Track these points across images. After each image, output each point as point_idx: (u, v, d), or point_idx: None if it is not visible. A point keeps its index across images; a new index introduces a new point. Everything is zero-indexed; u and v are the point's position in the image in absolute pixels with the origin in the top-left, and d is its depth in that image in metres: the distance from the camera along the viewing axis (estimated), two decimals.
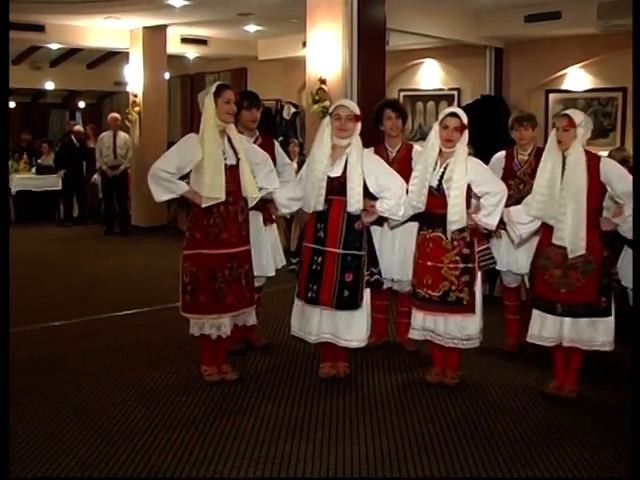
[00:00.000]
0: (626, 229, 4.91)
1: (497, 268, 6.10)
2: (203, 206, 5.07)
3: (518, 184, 5.82)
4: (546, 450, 4.37)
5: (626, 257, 5.55)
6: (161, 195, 5.19)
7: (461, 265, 5.16)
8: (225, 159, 5.09)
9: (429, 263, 5.19)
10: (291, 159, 7.22)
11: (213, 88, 5.14)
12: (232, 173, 5.12)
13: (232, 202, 5.14)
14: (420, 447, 4.37)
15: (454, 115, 5.15)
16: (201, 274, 5.15)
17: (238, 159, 5.16)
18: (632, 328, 5.84)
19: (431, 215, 5.17)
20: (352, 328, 5.27)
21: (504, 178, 5.73)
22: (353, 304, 5.19)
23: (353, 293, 5.18)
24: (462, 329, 5.22)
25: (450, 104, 10.99)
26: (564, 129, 4.93)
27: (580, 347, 5.07)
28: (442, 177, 5.11)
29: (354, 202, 5.09)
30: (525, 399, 5.16)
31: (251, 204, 5.26)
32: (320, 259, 5.19)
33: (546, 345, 5.18)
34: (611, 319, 5.06)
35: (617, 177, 4.92)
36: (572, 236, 4.89)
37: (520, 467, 4.15)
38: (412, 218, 5.34)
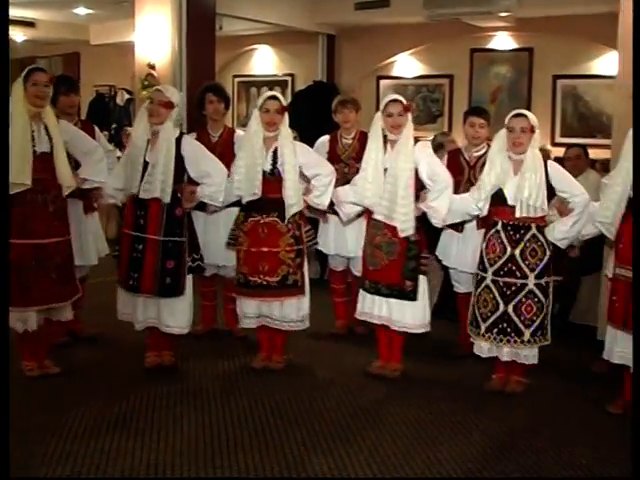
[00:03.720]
0: (430, 215, 5.06)
1: (325, 252, 6.20)
2: (11, 193, 4.88)
3: (343, 168, 5.88)
4: (368, 428, 4.45)
5: (445, 237, 5.74)
6: None
7: (295, 247, 5.22)
8: (34, 145, 4.88)
9: (264, 249, 5.18)
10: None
11: (24, 73, 4.96)
12: (44, 160, 4.92)
13: (41, 190, 4.92)
14: (245, 433, 4.36)
15: (274, 98, 5.17)
16: (11, 265, 4.96)
17: (52, 146, 4.96)
18: (453, 305, 6.09)
19: (265, 200, 5.15)
20: (175, 315, 5.24)
21: (329, 162, 5.82)
22: (175, 291, 5.17)
23: (175, 280, 5.15)
24: (298, 310, 5.29)
25: (284, 90, 11.01)
26: (399, 114, 5.02)
27: (389, 326, 5.20)
28: (275, 161, 5.13)
29: (160, 189, 5.03)
30: (353, 379, 5.26)
31: (65, 193, 5.04)
32: (141, 247, 5.11)
33: (369, 321, 5.31)
34: (418, 303, 5.16)
35: (424, 161, 5.06)
36: (404, 215, 5.01)
37: (341, 446, 4.20)
38: (235, 204, 5.34)
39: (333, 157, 5.93)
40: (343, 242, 6.04)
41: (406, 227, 5.02)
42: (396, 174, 5.00)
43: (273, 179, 5.13)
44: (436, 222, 5.10)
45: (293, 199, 5.12)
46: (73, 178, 5.09)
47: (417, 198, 5.08)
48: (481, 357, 5.10)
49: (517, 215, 4.81)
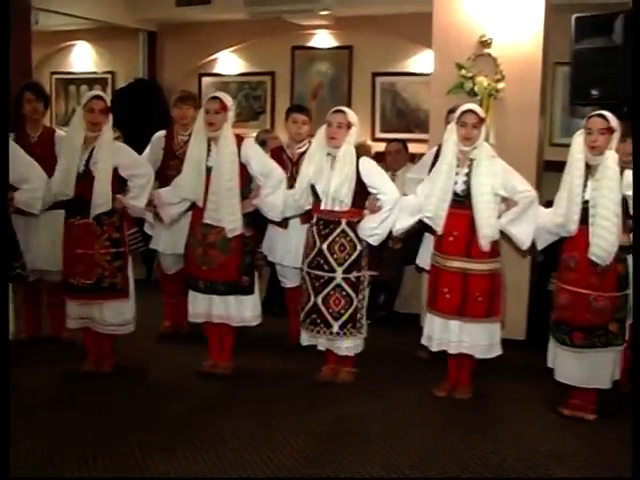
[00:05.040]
0: (266, 210, 5.15)
1: (161, 251, 6.12)
2: None
3: (179, 165, 5.81)
4: (203, 428, 4.45)
5: (270, 233, 5.84)
6: None
7: (112, 250, 5.13)
8: None
9: (79, 251, 5.09)
10: None
11: None
12: None
13: None
14: (80, 441, 4.24)
15: (99, 98, 5.09)
16: None
17: None
18: (280, 300, 6.18)
19: (79, 201, 5.05)
20: None
21: (165, 159, 5.82)
22: None
23: None
24: (119, 315, 5.22)
25: (104, 88, 10.72)
26: (216, 112, 5.00)
27: (229, 323, 5.23)
28: (88, 161, 5.03)
29: None
30: (186, 379, 5.25)
31: None
32: None
33: (198, 321, 5.32)
34: (255, 296, 5.25)
35: (255, 158, 5.12)
36: (230, 215, 5.01)
37: (179, 447, 4.17)
38: (58, 206, 5.21)
39: (169, 153, 5.92)
40: (180, 241, 5.95)
41: (234, 227, 5.04)
42: (219, 174, 5.00)
43: (86, 179, 5.03)
44: (273, 215, 5.19)
45: (99, 199, 5.01)
46: None
47: (245, 197, 5.12)
48: (316, 350, 5.26)
49: (321, 208, 4.98)
